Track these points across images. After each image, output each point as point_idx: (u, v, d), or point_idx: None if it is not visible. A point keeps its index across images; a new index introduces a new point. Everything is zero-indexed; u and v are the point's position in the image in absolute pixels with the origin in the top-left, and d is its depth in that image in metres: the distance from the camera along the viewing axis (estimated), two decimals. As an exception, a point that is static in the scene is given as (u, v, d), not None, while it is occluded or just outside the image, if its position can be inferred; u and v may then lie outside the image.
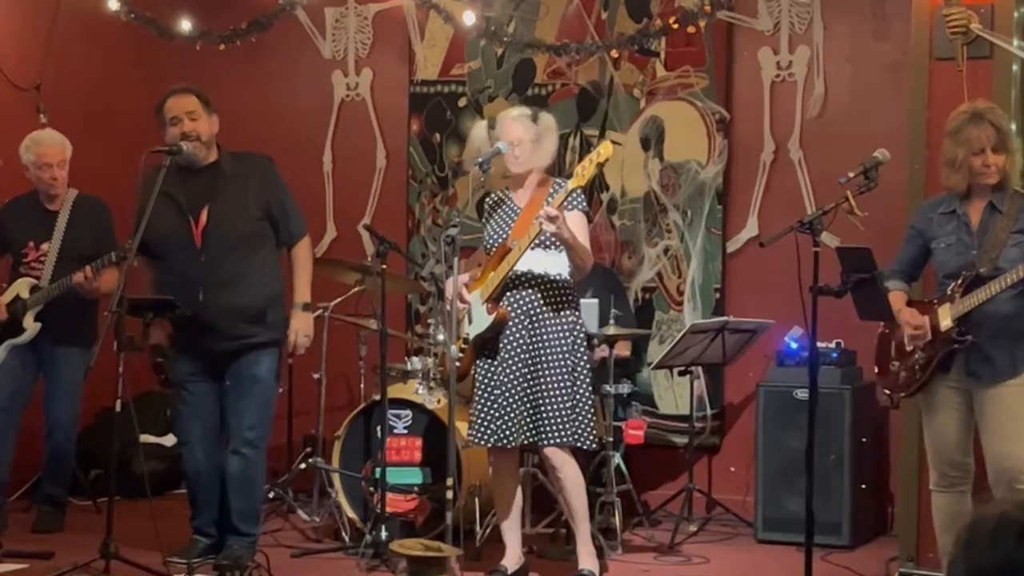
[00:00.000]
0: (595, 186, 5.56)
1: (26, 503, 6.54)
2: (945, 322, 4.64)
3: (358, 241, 7.48)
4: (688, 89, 6.90)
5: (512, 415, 5.18)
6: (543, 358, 5.16)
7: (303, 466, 6.60)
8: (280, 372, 5.61)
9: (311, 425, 6.73)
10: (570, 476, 5.22)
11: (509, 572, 5.32)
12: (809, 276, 4.54)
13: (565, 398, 5.15)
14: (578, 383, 5.19)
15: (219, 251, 5.34)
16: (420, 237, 7.46)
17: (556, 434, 5.15)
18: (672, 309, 6.93)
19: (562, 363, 5.16)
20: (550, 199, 5.13)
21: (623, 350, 6.44)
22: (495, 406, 5.20)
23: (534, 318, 5.18)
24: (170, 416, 7.03)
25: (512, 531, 5.38)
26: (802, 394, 5.81)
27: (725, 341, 6.22)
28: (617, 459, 6.11)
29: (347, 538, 5.94)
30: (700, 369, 6.60)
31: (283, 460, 6.84)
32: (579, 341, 5.22)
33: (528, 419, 5.18)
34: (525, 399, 5.18)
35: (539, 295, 5.19)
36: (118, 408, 4.99)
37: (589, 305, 5.99)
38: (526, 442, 5.24)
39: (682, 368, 6.42)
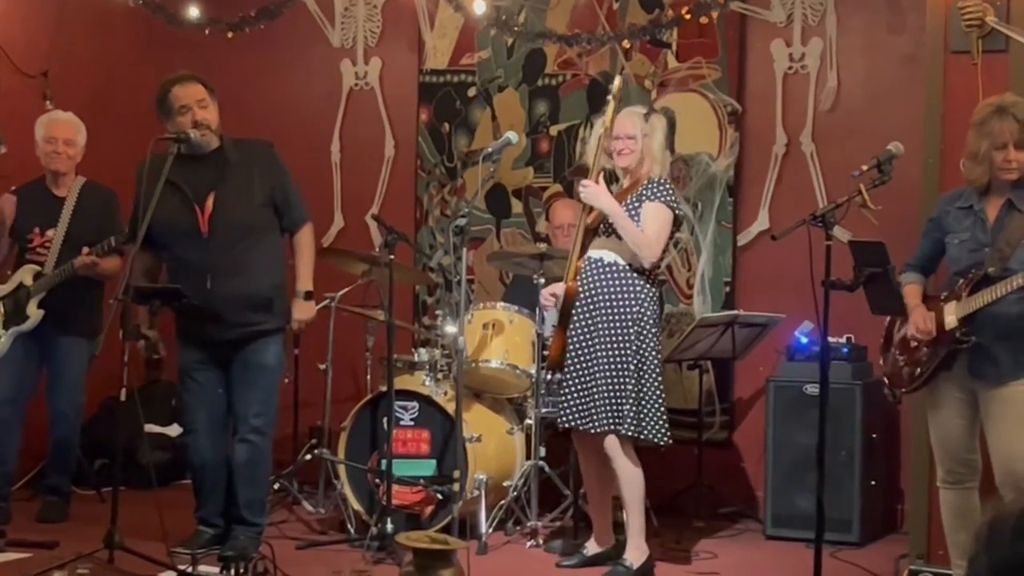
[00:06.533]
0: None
1: (30, 492, 6.51)
2: (950, 320, 4.55)
3: (366, 231, 7.44)
4: (700, 81, 6.85)
5: (567, 398, 5.32)
6: (591, 343, 5.26)
7: (308, 457, 6.57)
8: (284, 359, 5.59)
9: (317, 416, 6.70)
10: (621, 467, 5.27)
11: (588, 555, 5.47)
12: (821, 270, 4.50)
13: (606, 385, 5.20)
14: (625, 371, 5.19)
15: (225, 239, 5.31)
16: (428, 227, 7.42)
17: (595, 420, 5.23)
18: (682, 302, 6.88)
19: (608, 350, 5.22)
20: (632, 195, 5.24)
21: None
22: (562, 387, 5.39)
23: (591, 304, 5.28)
24: (175, 406, 7.01)
25: (595, 514, 5.54)
26: (812, 389, 5.77)
27: (735, 335, 6.19)
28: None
29: (352, 530, 5.91)
30: (709, 363, 6.56)
31: (289, 451, 6.81)
32: (634, 330, 5.22)
33: (578, 403, 5.29)
34: (577, 383, 5.29)
35: (598, 282, 5.28)
36: (123, 397, 4.97)
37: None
38: (574, 425, 5.32)
39: (691, 362, 6.39)
